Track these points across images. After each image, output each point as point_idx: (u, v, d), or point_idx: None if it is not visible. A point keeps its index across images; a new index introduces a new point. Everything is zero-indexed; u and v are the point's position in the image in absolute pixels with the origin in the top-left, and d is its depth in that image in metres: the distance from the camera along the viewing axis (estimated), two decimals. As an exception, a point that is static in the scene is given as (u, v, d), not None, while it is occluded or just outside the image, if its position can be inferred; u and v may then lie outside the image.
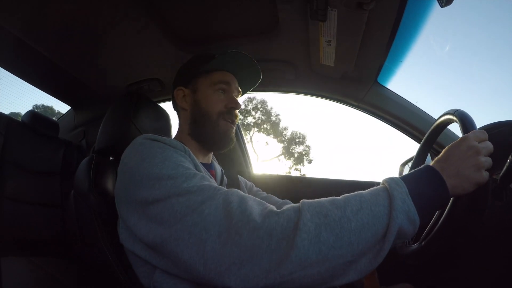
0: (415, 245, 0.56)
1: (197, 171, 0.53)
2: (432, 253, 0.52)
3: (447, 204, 0.48)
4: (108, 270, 0.61)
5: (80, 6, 0.82)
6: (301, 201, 0.45)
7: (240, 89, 0.78)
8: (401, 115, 1.09)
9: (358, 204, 0.42)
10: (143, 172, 0.51)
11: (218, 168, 0.79)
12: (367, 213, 0.41)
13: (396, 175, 0.60)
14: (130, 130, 0.77)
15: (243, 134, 1.52)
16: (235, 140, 0.76)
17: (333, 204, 0.43)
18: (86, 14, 0.85)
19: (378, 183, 0.46)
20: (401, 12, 0.77)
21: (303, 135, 12.77)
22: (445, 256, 0.65)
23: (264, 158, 13.21)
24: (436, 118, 0.65)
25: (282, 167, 12.97)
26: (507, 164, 0.48)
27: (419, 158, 0.75)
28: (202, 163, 0.67)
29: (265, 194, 0.87)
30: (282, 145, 12.84)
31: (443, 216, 0.48)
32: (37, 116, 1.28)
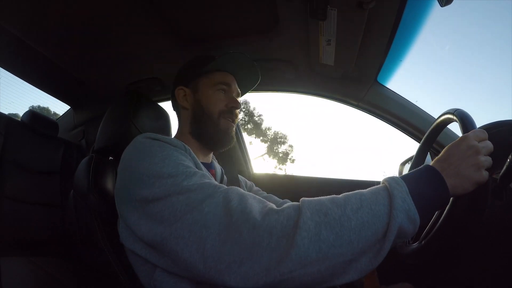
0: (415, 245, 0.55)
1: (197, 170, 0.53)
2: (432, 252, 0.52)
3: (447, 204, 0.47)
4: (108, 270, 0.61)
5: (80, 6, 0.82)
6: (301, 199, 0.45)
7: (239, 91, 0.78)
8: (401, 115, 1.09)
9: (358, 202, 0.42)
10: (143, 171, 0.51)
11: (218, 167, 0.79)
12: (367, 211, 0.41)
13: (396, 174, 0.60)
14: (130, 130, 0.76)
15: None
16: (235, 139, 0.76)
17: (333, 203, 0.43)
18: (86, 14, 0.85)
19: (378, 183, 0.46)
20: (401, 11, 0.77)
21: (285, 135, 13.14)
22: (445, 256, 0.65)
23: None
24: (436, 118, 0.65)
25: (267, 166, 13.27)
26: (507, 163, 0.47)
27: (419, 157, 0.75)
28: (202, 163, 0.67)
29: (265, 193, 0.87)
30: (266, 144, 13.11)
31: (443, 215, 0.48)
32: (37, 116, 1.28)
